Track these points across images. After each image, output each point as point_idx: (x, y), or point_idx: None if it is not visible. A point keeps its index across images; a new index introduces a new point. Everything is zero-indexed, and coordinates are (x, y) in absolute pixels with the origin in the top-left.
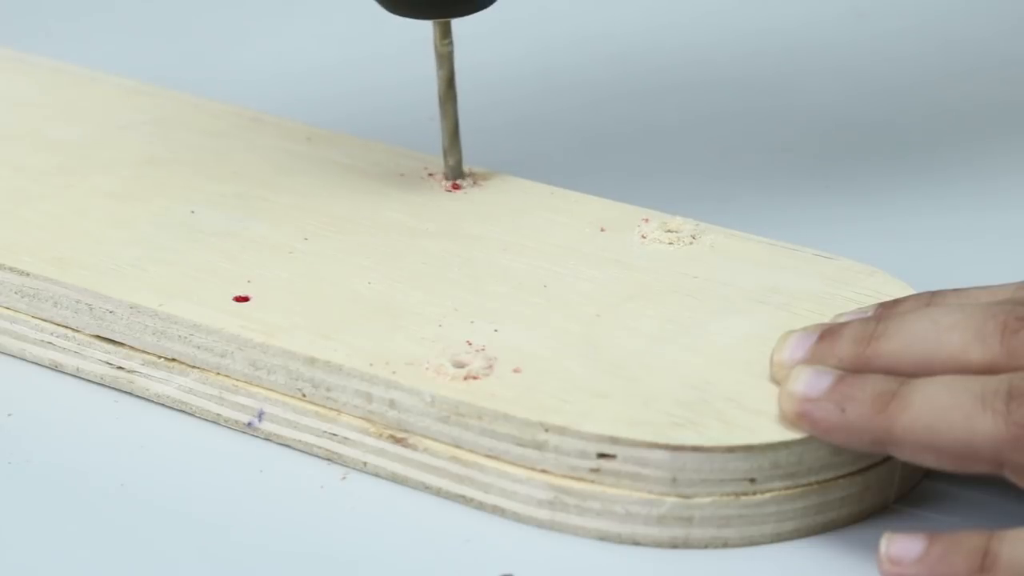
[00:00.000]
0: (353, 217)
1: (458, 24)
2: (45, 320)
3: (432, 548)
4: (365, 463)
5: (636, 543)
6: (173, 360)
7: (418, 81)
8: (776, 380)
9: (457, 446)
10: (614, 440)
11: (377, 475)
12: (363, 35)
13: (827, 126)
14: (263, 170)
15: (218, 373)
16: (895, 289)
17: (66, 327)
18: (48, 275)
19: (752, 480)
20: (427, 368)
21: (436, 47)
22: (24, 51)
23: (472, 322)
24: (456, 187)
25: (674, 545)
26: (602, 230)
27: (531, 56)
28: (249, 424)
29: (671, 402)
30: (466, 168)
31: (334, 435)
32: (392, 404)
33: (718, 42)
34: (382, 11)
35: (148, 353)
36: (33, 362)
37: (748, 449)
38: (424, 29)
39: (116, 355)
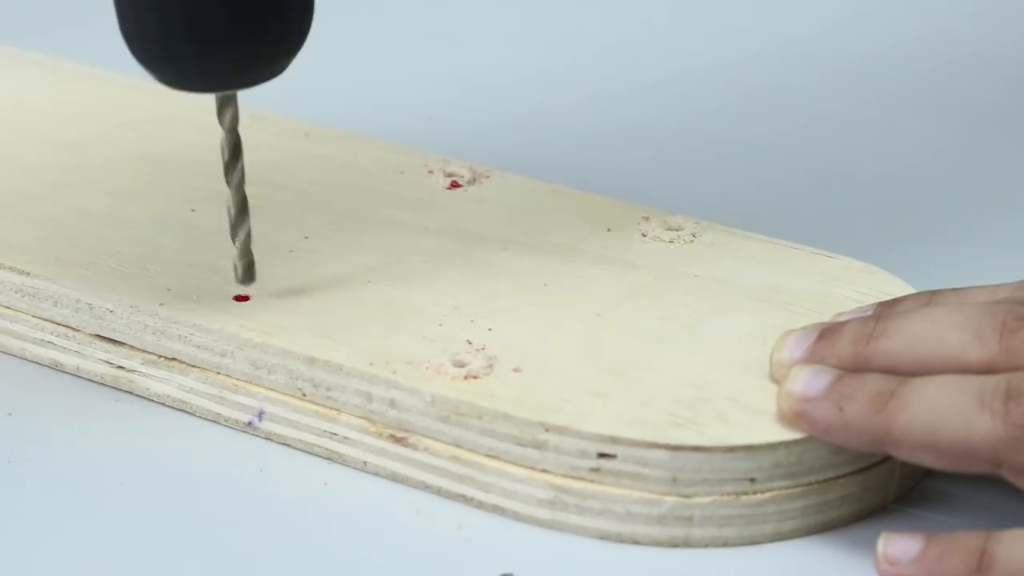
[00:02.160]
0: (353, 215)
1: (457, 27)
2: (45, 319)
3: (432, 548)
4: (365, 463)
5: (636, 543)
6: (173, 360)
7: (418, 81)
8: (776, 379)
9: (457, 446)
10: (614, 440)
11: (377, 475)
12: (363, 34)
13: (827, 125)
14: (263, 168)
15: (218, 373)
16: (895, 288)
17: (66, 326)
18: (48, 274)
19: (752, 480)
20: (427, 367)
21: (222, 122)
22: (24, 50)
23: (472, 321)
24: (456, 185)
25: (674, 545)
26: (603, 228)
27: (531, 54)
28: (249, 423)
29: (671, 402)
30: (467, 166)
31: (334, 434)
32: (392, 404)
33: (718, 41)
34: (382, 11)
35: (148, 352)
36: (33, 362)
37: (748, 449)
38: (426, 27)
39: (116, 354)
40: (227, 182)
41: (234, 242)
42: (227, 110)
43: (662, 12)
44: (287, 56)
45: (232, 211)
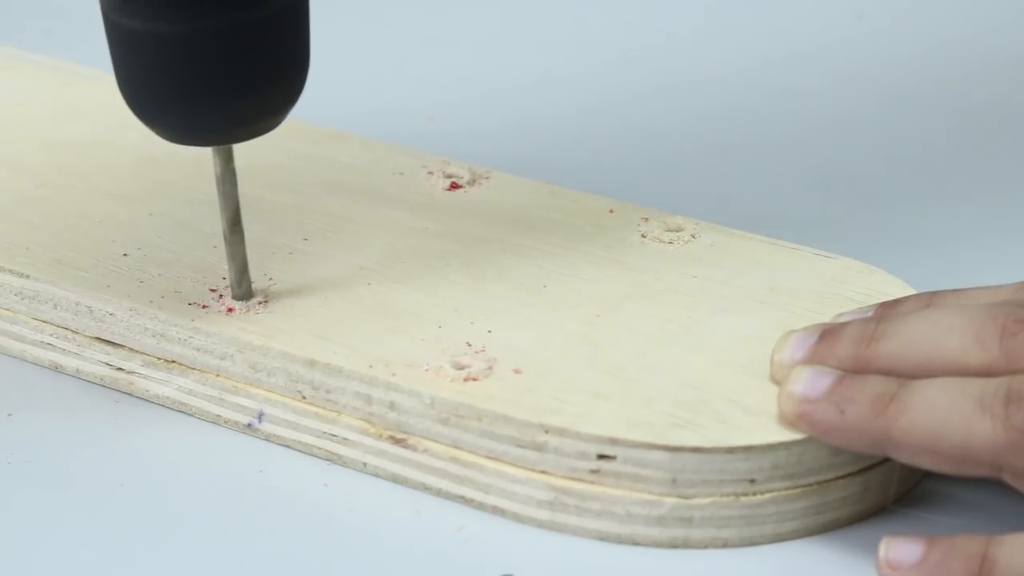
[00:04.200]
0: (352, 217)
1: (456, 28)
2: (45, 322)
3: (432, 548)
4: (365, 464)
5: (636, 544)
6: (173, 362)
7: (417, 81)
8: (776, 380)
9: (457, 447)
10: (614, 441)
11: (377, 475)
12: (362, 35)
13: (827, 126)
14: (262, 170)
15: (218, 375)
16: (895, 289)
17: (66, 329)
18: (48, 277)
19: (752, 481)
20: (427, 370)
21: (218, 171)
22: (24, 51)
23: (472, 323)
24: (456, 186)
25: (674, 545)
26: (602, 229)
27: (531, 55)
28: (249, 425)
29: (671, 403)
30: (466, 167)
31: (334, 436)
32: (392, 406)
33: (718, 42)
34: (381, 11)
35: (148, 355)
36: (33, 363)
37: (748, 450)
38: (431, 26)
39: (116, 356)
40: (224, 228)
41: (230, 271)
42: (224, 159)
43: (661, 13)
44: (282, 112)
45: (227, 248)
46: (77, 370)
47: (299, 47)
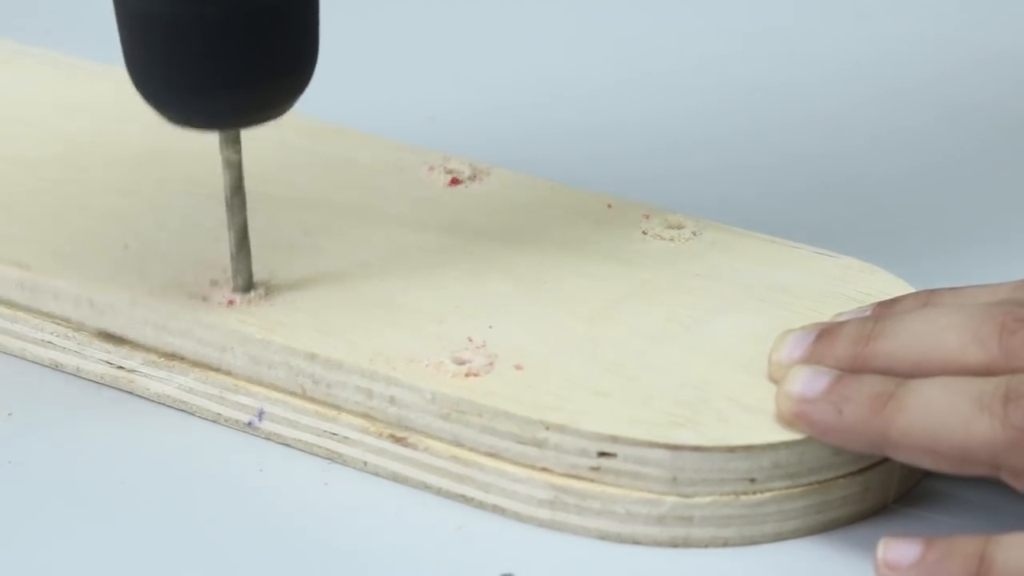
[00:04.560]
0: (353, 212)
1: (457, 24)
2: (45, 316)
3: (433, 548)
4: (365, 463)
5: (636, 543)
6: (173, 357)
7: (419, 77)
8: (774, 380)
9: (457, 444)
10: (614, 439)
11: (377, 475)
12: (362, 31)
13: (828, 125)
14: (263, 164)
15: (218, 370)
16: (895, 288)
17: (67, 324)
18: (48, 269)
19: (752, 480)
20: (427, 365)
21: (224, 155)
22: (23, 44)
23: (473, 319)
24: (456, 182)
25: (674, 545)
26: (604, 226)
27: (532, 52)
28: (249, 424)
29: (671, 401)
30: (467, 163)
31: (334, 434)
32: (392, 401)
33: (720, 41)
34: (381, 7)
35: (149, 351)
36: (33, 362)
37: (748, 449)
38: (426, 25)
39: (116, 354)
40: (227, 211)
41: (232, 266)
42: (230, 145)
43: (663, 10)
44: (291, 99)
45: (232, 239)
46: (77, 368)
47: (310, 34)
